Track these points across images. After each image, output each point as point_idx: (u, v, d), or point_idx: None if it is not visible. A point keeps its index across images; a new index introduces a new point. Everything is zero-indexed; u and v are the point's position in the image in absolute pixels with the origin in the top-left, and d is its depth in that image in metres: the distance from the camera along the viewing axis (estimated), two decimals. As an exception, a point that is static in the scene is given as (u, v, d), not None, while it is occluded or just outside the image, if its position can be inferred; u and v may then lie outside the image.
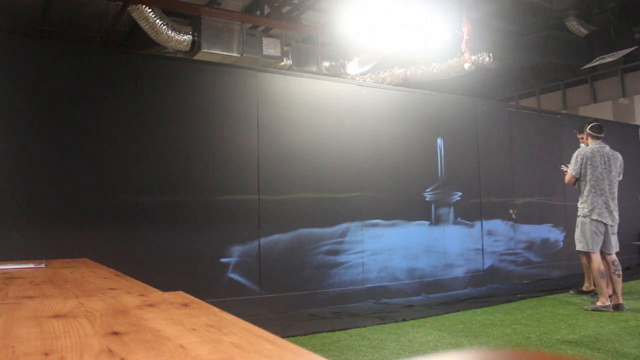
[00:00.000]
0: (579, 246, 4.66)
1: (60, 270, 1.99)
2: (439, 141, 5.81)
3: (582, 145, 4.93)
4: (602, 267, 4.46)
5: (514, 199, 6.37)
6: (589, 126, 4.74)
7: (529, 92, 11.07)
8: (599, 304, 4.43)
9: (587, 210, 4.58)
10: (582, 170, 4.62)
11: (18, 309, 1.03)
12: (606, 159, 4.63)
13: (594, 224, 4.52)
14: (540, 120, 7.00)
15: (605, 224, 4.53)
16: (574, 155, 4.74)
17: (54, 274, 1.88)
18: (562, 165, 5.08)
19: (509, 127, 6.50)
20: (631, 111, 9.08)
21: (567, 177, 4.78)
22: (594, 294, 5.01)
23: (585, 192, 4.62)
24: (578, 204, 4.73)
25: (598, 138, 4.68)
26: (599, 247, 4.52)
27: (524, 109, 7.50)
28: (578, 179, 4.70)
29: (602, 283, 4.41)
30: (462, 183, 5.92)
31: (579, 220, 4.68)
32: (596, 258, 4.48)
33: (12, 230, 3.62)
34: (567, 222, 6.73)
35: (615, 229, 4.61)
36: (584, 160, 4.61)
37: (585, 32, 7.66)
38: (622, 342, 3.34)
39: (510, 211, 6.28)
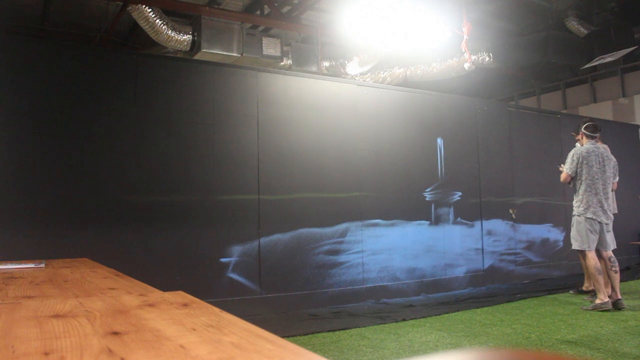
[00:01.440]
0: (575, 245, 4.69)
1: (60, 270, 1.99)
2: (439, 141, 5.80)
3: (577, 145, 4.96)
4: (598, 264, 4.49)
5: (514, 199, 6.37)
6: (584, 126, 4.80)
7: (529, 92, 11.07)
8: (597, 301, 4.45)
9: (582, 209, 4.62)
10: (578, 170, 4.66)
11: (18, 308, 1.03)
12: (600, 159, 4.67)
13: (589, 222, 4.56)
14: (540, 120, 7.00)
15: (600, 222, 4.57)
16: (570, 154, 4.76)
17: (54, 273, 1.88)
18: (560, 165, 5.09)
19: (509, 127, 6.50)
20: (631, 111, 9.08)
21: (563, 176, 4.80)
22: (593, 293, 5.01)
23: (581, 191, 4.65)
24: (573, 202, 4.76)
25: (593, 137, 4.73)
26: (595, 245, 4.56)
27: (524, 109, 7.50)
28: (573, 178, 4.73)
29: (600, 280, 4.44)
30: (462, 183, 5.92)
31: (574, 219, 4.72)
32: (592, 256, 4.51)
33: (12, 230, 3.61)
34: (567, 222, 6.71)
35: (610, 227, 4.65)
36: (580, 160, 4.65)
37: (585, 32, 7.66)
38: (622, 342, 3.34)
39: (510, 211, 6.28)
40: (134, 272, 1.94)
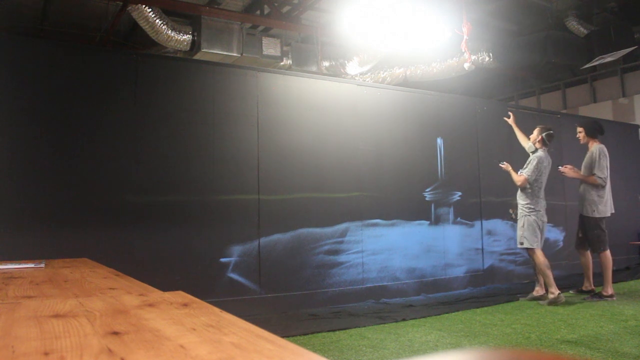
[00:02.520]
0: (526, 244, 4.89)
1: (60, 270, 1.99)
2: (439, 141, 5.80)
3: (539, 149, 5.00)
4: (546, 260, 4.84)
5: (514, 199, 6.35)
6: (546, 134, 4.98)
7: (529, 92, 11.07)
8: (551, 296, 4.73)
9: (537, 209, 4.88)
10: (537, 176, 4.88)
11: (18, 308, 1.03)
12: (549, 166, 4.97)
13: (541, 222, 4.89)
14: (540, 120, 6.98)
15: (544, 222, 4.93)
16: (535, 161, 4.90)
17: (53, 273, 1.88)
18: (503, 163, 5.14)
19: (509, 127, 6.49)
20: (631, 111, 9.08)
21: (522, 180, 4.92)
22: (594, 293, 5.02)
23: (540, 195, 4.91)
24: (524, 203, 4.94)
25: (547, 146, 4.99)
26: (542, 244, 4.93)
27: (524, 109, 7.50)
28: (530, 183, 4.91)
29: (550, 274, 4.77)
30: (462, 183, 5.92)
31: (524, 219, 4.91)
32: (540, 253, 4.87)
33: (12, 230, 3.61)
34: (567, 222, 6.72)
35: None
36: (541, 167, 4.87)
37: (585, 32, 7.67)
38: (622, 342, 3.34)
39: (510, 211, 6.27)
40: (134, 272, 1.93)
